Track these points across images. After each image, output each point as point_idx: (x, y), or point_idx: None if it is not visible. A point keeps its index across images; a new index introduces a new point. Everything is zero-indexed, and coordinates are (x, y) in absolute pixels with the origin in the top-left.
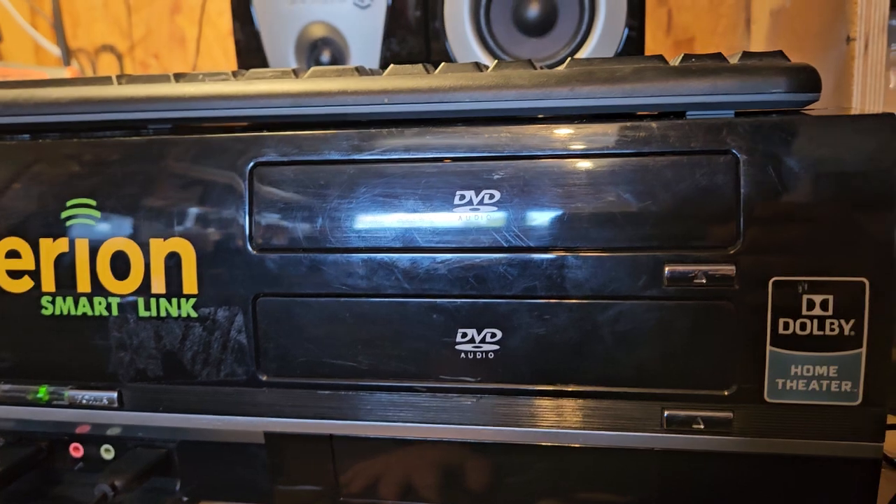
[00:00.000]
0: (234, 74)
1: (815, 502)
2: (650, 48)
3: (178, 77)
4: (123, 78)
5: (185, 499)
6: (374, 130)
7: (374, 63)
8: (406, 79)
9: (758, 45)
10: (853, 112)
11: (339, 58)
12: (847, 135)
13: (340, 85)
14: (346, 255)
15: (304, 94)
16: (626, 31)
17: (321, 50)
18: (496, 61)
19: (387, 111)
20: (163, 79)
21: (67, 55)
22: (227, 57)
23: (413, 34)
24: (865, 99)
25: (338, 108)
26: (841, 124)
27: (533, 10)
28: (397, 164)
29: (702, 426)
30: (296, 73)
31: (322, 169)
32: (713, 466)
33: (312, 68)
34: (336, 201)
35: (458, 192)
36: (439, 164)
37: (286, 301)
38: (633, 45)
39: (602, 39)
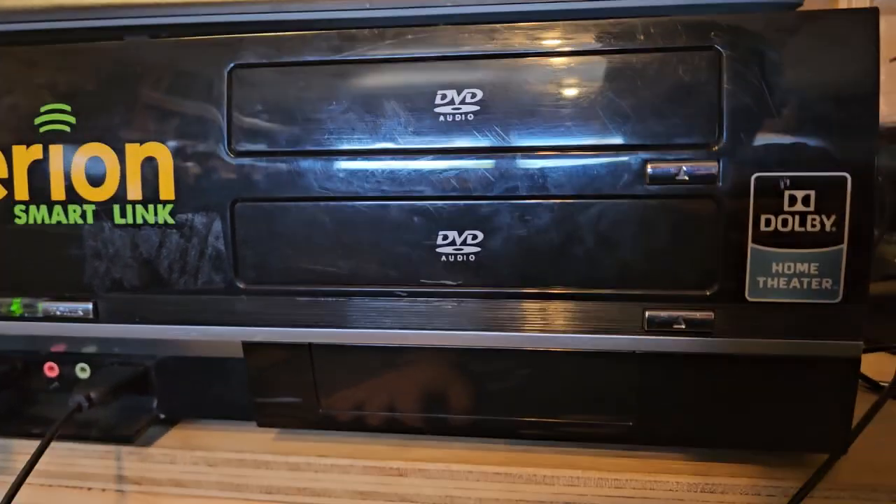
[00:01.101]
0: None
1: (795, 405)
2: None
3: None
4: None
5: (161, 416)
6: (354, 31)
7: None
8: None
9: None
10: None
11: None
12: (828, 29)
13: None
14: (325, 158)
15: None
16: None
17: None
18: None
19: (368, 17)
20: None
21: None
22: None
23: None
24: None
25: (319, 14)
26: (822, 19)
27: None
28: (378, 65)
29: (683, 326)
30: None
31: (301, 70)
32: (694, 369)
33: None
34: (315, 103)
35: (440, 92)
36: (421, 63)
37: (264, 206)
38: None
39: None
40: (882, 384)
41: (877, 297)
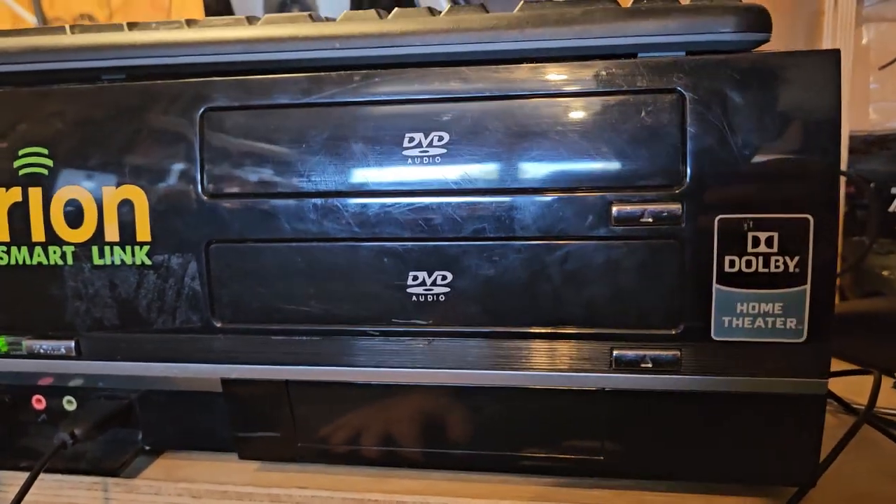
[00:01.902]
0: (188, 23)
1: (763, 439)
2: None
3: (132, 26)
4: (77, 27)
5: (147, 448)
6: (323, 74)
7: None
8: (358, 24)
9: None
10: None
11: None
12: (791, 72)
13: (292, 31)
14: (296, 199)
15: (255, 41)
16: None
17: (290, 9)
18: (449, 5)
19: (338, 56)
20: (116, 28)
21: (44, 23)
22: None
23: None
24: None
25: (289, 55)
26: (785, 61)
27: None
28: (346, 108)
29: (650, 365)
30: (249, 20)
31: (272, 113)
32: (662, 405)
33: (266, 16)
34: (286, 146)
35: (408, 135)
36: (388, 107)
37: (238, 247)
38: None
39: None
40: (856, 406)
41: (864, 314)
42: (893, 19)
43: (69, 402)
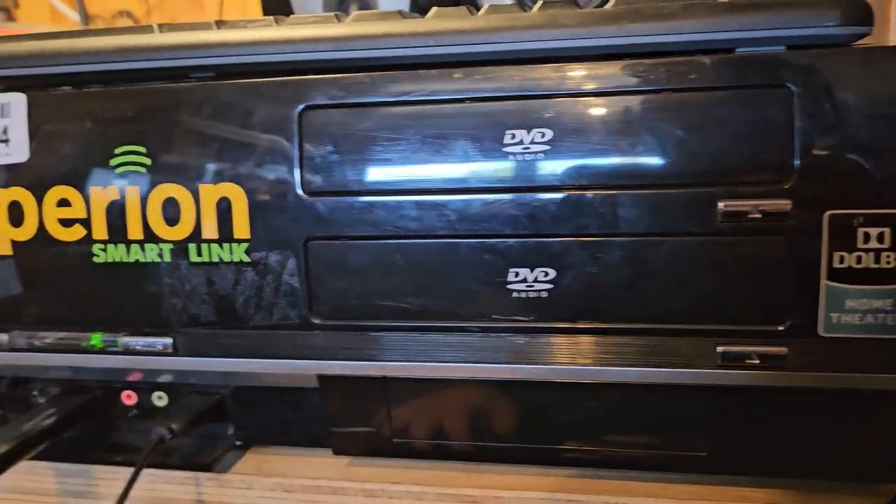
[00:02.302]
0: (276, 21)
1: (870, 437)
2: None
3: (220, 24)
4: (164, 26)
5: (237, 443)
6: (422, 72)
7: None
8: (451, 21)
9: None
10: None
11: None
12: None
13: (386, 28)
14: (396, 196)
15: (349, 38)
16: None
17: (349, 6)
18: (541, 2)
19: (432, 53)
20: (204, 26)
21: (86, 20)
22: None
23: None
24: None
25: (384, 52)
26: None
27: None
28: (447, 105)
29: (756, 361)
30: (338, 17)
31: (371, 111)
32: (767, 402)
33: (355, 13)
34: (385, 143)
35: (509, 132)
36: (489, 103)
37: (337, 244)
38: None
39: None
40: None
41: None
42: None
43: (159, 397)
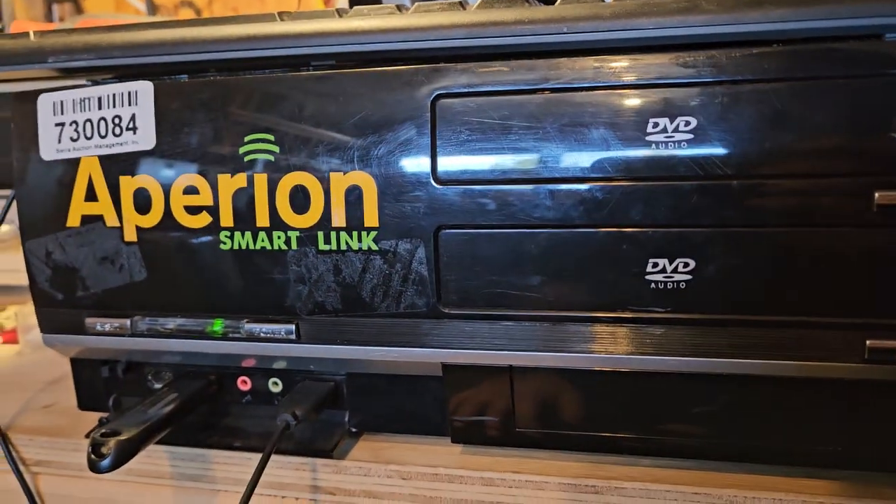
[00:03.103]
0: (399, 9)
1: None
2: None
3: (341, 12)
4: (285, 14)
5: (353, 430)
6: (561, 60)
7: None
8: (585, 7)
9: None
10: None
11: None
12: None
13: (518, 14)
14: (531, 185)
15: (480, 25)
16: None
17: None
18: None
19: (567, 41)
20: (326, 14)
21: (152, 10)
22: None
23: None
24: None
25: (515, 39)
26: None
27: None
28: (585, 93)
29: None
30: (462, 5)
31: (506, 99)
32: None
33: (480, 0)
34: (521, 132)
35: (652, 120)
36: (631, 91)
37: (469, 233)
38: None
39: None
40: None
41: None
42: None
43: (275, 383)
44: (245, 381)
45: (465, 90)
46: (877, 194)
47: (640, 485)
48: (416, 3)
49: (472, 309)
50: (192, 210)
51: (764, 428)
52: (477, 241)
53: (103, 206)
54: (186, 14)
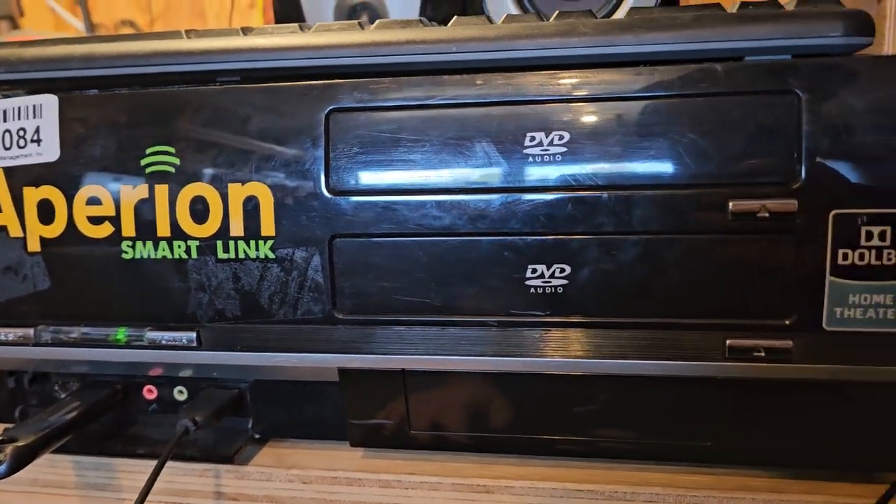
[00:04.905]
0: (301, 28)
1: (871, 427)
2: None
3: (246, 31)
4: (192, 32)
5: (256, 436)
6: (446, 77)
7: None
8: (473, 28)
9: None
10: None
11: None
12: None
13: (410, 35)
14: (419, 196)
15: (375, 44)
16: None
17: (359, 14)
18: (557, 11)
19: (455, 59)
20: (231, 32)
21: (91, 30)
22: None
23: (450, 2)
24: None
25: (408, 58)
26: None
27: None
28: (469, 109)
29: (762, 354)
30: (361, 25)
31: (395, 114)
32: (772, 394)
33: (378, 20)
34: (409, 145)
35: (529, 134)
36: (510, 107)
37: (362, 241)
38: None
39: (636, 4)
40: None
41: None
42: None
43: (180, 392)
44: (151, 390)
45: (357, 105)
46: (731, 204)
47: (529, 483)
48: (318, 23)
49: (366, 315)
50: (95, 220)
51: (641, 426)
52: (369, 249)
53: (7, 217)
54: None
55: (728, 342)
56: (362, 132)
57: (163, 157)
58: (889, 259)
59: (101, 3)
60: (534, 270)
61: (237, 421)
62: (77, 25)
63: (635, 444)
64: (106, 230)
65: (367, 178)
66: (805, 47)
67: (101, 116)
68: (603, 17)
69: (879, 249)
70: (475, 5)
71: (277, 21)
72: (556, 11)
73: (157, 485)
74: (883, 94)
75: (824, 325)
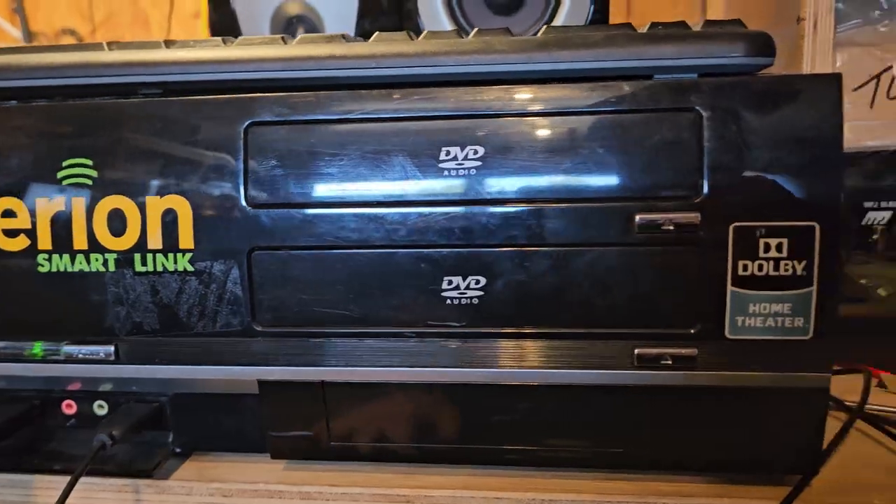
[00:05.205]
0: (224, 41)
1: (771, 430)
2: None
3: (169, 43)
4: (113, 44)
5: (177, 450)
6: (364, 92)
7: None
8: (393, 44)
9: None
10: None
11: None
12: (798, 93)
13: (331, 50)
14: (337, 209)
15: (295, 59)
16: (592, 12)
17: (296, 28)
18: (476, 29)
19: (374, 75)
20: (153, 45)
21: (29, 38)
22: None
23: (386, 14)
24: None
25: (328, 72)
26: (793, 83)
27: None
28: (386, 123)
29: (669, 362)
30: (284, 39)
31: (314, 128)
32: (679, 400)
33: (301, 35)
34: (327, 159)
35: (444, 149)
36: (426, 122)
37: (280, 254)
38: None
39: (568, 20)
40: (848, 403)
41: (847, 319)
42: (864, 44)
43: (100, 406)
44: (70, 405)
45: (276, 119)
46: (637, 217)
47: (449, 492)
48: (242, 37)
49: (285, 327)
50: (10, 233)
51: (555, 434)
52: (288, 262)
53: None
54: (68, 42)
55: (636, 351)
56: (281, 146)
57: (80, 170)
58: (787, 270)
59: (41, 12)
60: (450, 282)
61: (158, 435)
62: (14, 34)
63: (550, 451)
64: (22, 243)
65: (286, 191)
66: (710, 66)
67: (18, 128)
68: (533, 34)
69: (777, 260)
70: (412, 19)
71: (214, 33)
72: (475, 29)
73: (75, 501)
74: (778, 112)
75: (727, 334)
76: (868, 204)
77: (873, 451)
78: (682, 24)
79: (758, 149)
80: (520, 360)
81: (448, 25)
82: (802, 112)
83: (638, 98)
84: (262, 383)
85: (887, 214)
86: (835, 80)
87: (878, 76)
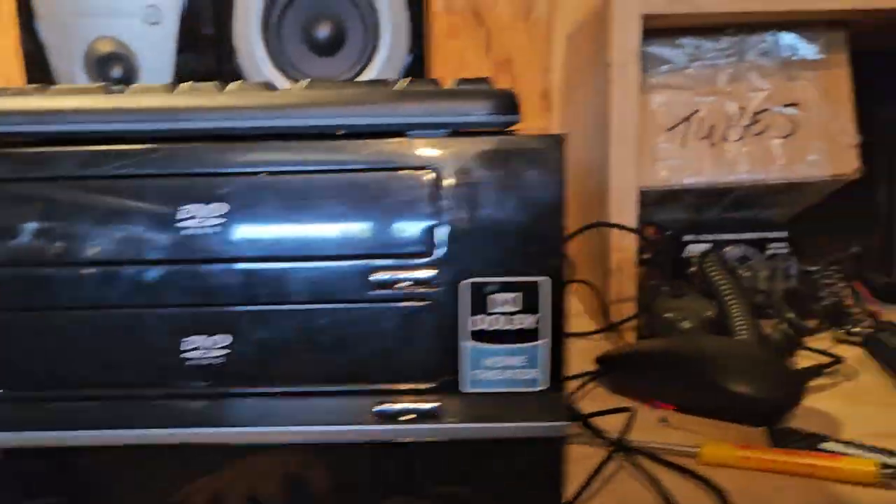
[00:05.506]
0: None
1: (515, 476)
2: (474, 68)
3: None
4: None
5: None
6: (103, 148)
7: (166, 79)
8: (147, 98)
9: (557, 66)
10: (546, 132)
11: (130, 74)
12: (526, 152)
13: (78, 103)
14: (72, 268)
15: (40, 112)
16: (410, 56)
17: (112, 65)
18: (239, 82)
19: (123, 129)
20: None
21: None
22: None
23: (204, 52)
24: (622, 118)
25: (72, 126)
26: (521, 143)
27: (322, 31)
28: (124, 181)
29: (413, 416)
30: (42, 89)
31: (50, 185)
32: (425, 454)
33: (57, 86)
34: (65, 216)
35: (186, 206)
36: (169, 179)
37: (13, 315)
38: (417, 67)
39: (387, 62)
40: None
41: (645, 354)
42: (677, 87)
43: None
44: None
45: (11, 176)
46: (373, 274)
47: None
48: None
49: (25, 391)
50: None
51: (300, 494)
52: (27, 324)
53: None
54: None
55: (378, 407)
56: (14, 202)
57: None
58: (520, 323)
59: None
60: (192, 342)
61: None
62: None
63: None
64: None
65: (20, 249)
66: (459, 124)
67: None
68: (349, 78)
69: (509, 315)
70: (231, 60)
71: (27, 68)
72: (238, 83)
73: None
74: (508, 170)
75: (465, 388)
76: (687, 237)
77: (637, 488)
78: (436, 82)
79: (490, 207)
80: (266, 419)
81: (267, 64)
82: (529, 170)
83: (379, 156)
84: (6, 451)
85: (705, 247)
86: (557, 139)
87: (688, 118)
